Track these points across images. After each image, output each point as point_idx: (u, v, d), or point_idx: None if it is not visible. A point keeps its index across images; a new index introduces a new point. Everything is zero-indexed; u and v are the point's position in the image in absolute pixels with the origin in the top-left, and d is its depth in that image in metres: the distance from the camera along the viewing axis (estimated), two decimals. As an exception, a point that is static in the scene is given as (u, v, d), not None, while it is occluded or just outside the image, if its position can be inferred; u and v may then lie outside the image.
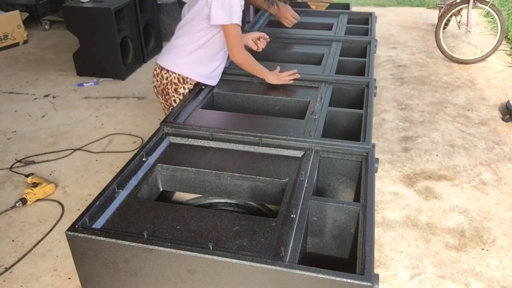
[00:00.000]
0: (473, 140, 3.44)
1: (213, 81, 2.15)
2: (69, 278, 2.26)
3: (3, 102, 4.12)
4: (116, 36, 4.32)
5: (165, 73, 2.13)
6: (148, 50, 4.96)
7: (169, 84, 2.14)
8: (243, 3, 2.01)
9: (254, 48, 2.34)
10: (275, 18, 3.15)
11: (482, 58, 4.77)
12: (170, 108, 2.20)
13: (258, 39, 2.35)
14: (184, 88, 2.14)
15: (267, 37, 2.38)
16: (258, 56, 2.58)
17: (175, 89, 2.14)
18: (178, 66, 2.11)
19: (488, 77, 4.51)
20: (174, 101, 2.17)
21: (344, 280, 1.07)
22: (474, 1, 4.62)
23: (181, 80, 2.12)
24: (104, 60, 4.47)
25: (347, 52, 2.59)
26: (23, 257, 2.39)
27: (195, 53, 2.09)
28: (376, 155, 1.59)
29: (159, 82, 2.17)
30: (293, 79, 2.14)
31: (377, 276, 1.09)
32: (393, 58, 5.05)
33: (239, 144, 1.65)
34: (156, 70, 2.18)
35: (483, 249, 2.42)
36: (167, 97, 2.19)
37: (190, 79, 2.12)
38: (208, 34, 2.05)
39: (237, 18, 1.95)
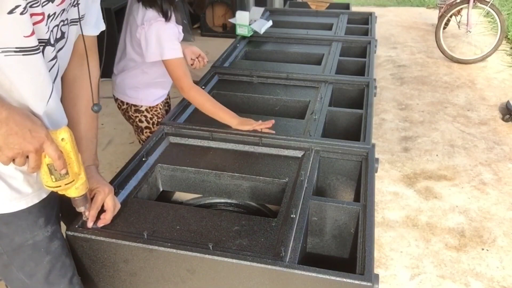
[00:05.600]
0: (473, 140, 3.44)
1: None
2: (69, 278, 2.26)
3: (3, 102, 4.11)
4: (116, 36, 4.30)
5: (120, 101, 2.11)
6: (148, 50, 4.95)
7: (128, 108, 2.10)
8: (180, 29, 1.85)
9: (189, 64, 2.15)
10: (274, 19, 3.15)
11: (482, 58, 4.77)
12: (139, 130, 2.11)
13: (197, 57, 2.18)
14: (142, 106, 2.09)
15: (205, 56, 2.20)
16: (259, 56, 2.58)
17: (135, 110, 2.09)
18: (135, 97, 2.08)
19: (488, 77, 4.51)
20: (140, 120, 2.09)
21: (344, 280, 1.07)
22: (474, 1, 4.62)
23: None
24: (104, 60, 4.46)
25: (347, 52, 2.59)
26: (23, 257, 2.39)
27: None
28: (376, 155, 1.59)
29: (119, 108, 2.14)
30: (267, 127, 1.72)
31: (377, 276, 1.09)
32: (393, 58, 5.05)
33: (239, 144, 1.65)
34: (114, 96, 2.15)
35: (483, 249, 2.42)
36: (130, 120, 2.13)
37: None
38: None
39: (175, 53, 1.77)
